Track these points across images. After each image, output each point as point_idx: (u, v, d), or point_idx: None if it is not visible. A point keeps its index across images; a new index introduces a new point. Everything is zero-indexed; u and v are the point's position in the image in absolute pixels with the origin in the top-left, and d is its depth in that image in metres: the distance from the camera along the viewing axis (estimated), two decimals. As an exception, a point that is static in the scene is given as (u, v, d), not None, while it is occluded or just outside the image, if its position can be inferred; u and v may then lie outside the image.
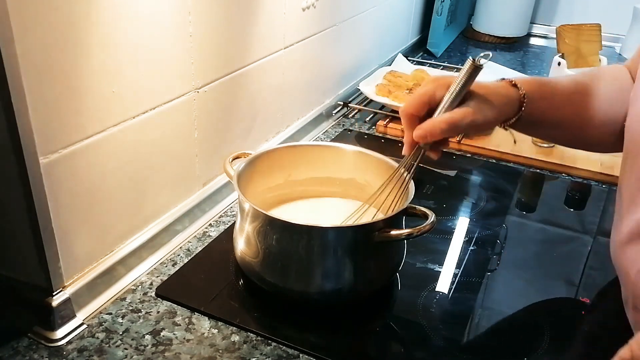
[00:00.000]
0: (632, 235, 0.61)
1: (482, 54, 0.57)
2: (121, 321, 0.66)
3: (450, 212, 0.91)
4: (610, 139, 0.70)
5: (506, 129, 0.66)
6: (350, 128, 1.20)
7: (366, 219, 0.69)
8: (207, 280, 0.73)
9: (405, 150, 0.63)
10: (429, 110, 0.60)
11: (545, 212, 0.95)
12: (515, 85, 0.63)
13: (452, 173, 1.04)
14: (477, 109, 0.59)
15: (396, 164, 0.73)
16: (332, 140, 1.14)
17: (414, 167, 0.64)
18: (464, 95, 0.59)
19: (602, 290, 0.75)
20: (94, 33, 0.60)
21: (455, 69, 1.54)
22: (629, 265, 0.61)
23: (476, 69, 0.57)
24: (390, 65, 1.46)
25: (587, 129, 0.71)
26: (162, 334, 0.64)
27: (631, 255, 0.61)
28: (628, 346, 0.45)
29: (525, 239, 0.88)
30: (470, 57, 0.56)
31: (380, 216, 0.69)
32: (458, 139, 1.07)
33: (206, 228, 0.84)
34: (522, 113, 0.63)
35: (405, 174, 0.66)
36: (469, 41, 1.93)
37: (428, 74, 1.37)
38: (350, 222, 0.70)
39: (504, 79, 0.64)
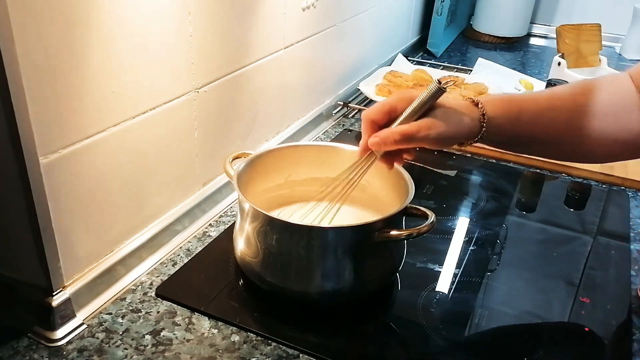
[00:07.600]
0: None
1: (449, 79, 0.60)
2: (121, 321, 0.66)
3: (450, 212, 0.91)
4: (606, 150, 0.69)
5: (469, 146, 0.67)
6: (350, 128, 1.20)
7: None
8: (207, 280, 0.73)
9: (358, 154, 0.64)
10: (389, 120, 0.62)
11: (545, 212, 0.95)
12: (477, 105, 0.64)
13: (452, 173, 1.04)
14: (434, 124, 0.60)
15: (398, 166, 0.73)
16: (332, 140, 1.14)
17: (363, 172, 0.66)
18: (426, 111, 0.60)
19: (602, 290, 0.75)
20: (94, 33, 0.60)
21: (456, 69, 1.54)
22: None
23: (440, 90, 0.59)
24: (390, 65, 1.46)
25: (572, 144, 0.69)
26: (162, 334, 0.64)
27: None
28: None
29: (525, 239, 0.88)
30: (437, 79, 0.59)
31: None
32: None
33: (206, 228, 0.84)
34: (484, 131, 0.63)
35: (353, 178, 0.67)
36: (469, 41, 1.93)
37: (428, 74, 1.37)
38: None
39: (470, 98, 0.65)
